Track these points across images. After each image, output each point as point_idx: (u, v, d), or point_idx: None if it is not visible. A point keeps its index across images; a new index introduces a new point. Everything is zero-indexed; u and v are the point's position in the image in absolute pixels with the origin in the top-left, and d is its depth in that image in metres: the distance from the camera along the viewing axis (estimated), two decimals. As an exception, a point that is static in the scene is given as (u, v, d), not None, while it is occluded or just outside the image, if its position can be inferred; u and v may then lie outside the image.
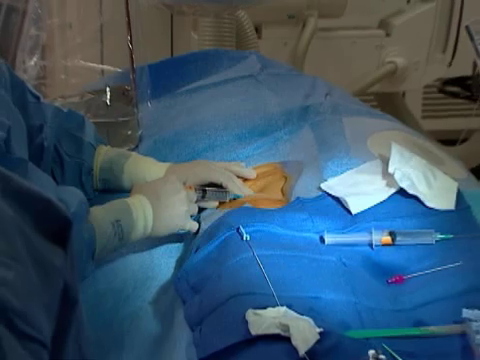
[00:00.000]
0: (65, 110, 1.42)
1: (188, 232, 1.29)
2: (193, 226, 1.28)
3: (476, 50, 2.21)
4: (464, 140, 2.63)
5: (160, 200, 1.24)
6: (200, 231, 1.28)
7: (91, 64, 1.67)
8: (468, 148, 2.65)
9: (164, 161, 1.42)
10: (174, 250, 1.28)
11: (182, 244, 1.29)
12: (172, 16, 2.29)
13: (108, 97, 1.65)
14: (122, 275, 1.24)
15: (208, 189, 1.34)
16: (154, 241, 1.28)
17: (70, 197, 1.09)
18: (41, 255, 0.63)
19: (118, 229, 1.18)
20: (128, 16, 1.60)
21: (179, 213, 1.26)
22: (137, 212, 1.21)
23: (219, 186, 1.36)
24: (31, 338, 0.60)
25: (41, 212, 0.64)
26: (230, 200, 1.35)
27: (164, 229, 1.25)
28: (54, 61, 1.63)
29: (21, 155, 1.10)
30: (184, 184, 1.31)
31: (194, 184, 1.33)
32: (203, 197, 1.33)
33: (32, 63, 1.50)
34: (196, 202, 1.31)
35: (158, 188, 1.27)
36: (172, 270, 1.23)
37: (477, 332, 1.02)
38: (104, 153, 1.39)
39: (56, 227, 0.65)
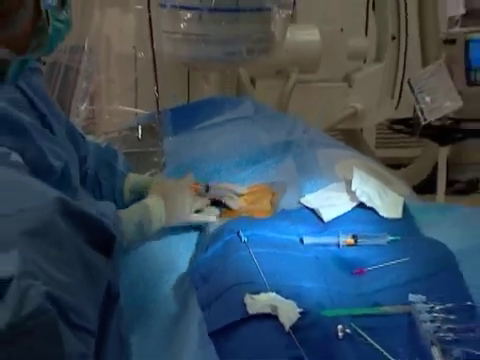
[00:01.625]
0: (103, 145, 1.41)
1: (199, 229, 1.28)
2: (196, 219, 1.28)
3: (415, 98, 2.22)
4: (407, 165, 2.64)
5: (169, 199, 1.25)
6: (208, 235, 1.27)
7: (127, 108, 1.68)
8: (410, 171, 2.65)
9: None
10: (189, 249, 1.27)
11: (195, 244, 1.28)
12: (189, 71, 2.30)
13: (139, 133, 1.64)
14: (151, 267, 1.23)
15: (211, 185, 1.33)
16: (173, 241, 1.27)
17: (107, 209, 1.10)
18: (89, 261, 0.62)
19: (140, 225, 1.19)
20: (155, 72, 1.60)
21: (183, 208, 1.27)
22: (154, 209, 1.22)
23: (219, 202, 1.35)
24: (81, 328, 0.59)
25: (92, 229, 0.64)
26: (225, 211, 1.33)
27: (173, 220, 1.26)
28: (100, 106, 1.63)
29: (75, 180, 1.10)
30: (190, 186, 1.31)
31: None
32: (206, 191, 1.32)
33: (83, 108, 1.51)
34: (200, 194, 1.31)
35: (169, 189, 1.28)
36: (187, 264, 1.22)
37: (419, 312, 1.02)
38: (133, 178, 1.39)
39: (103, 241, 0.65)
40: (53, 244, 0.59)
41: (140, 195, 1.35)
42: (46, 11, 0.96)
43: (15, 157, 0.89)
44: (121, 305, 0.67)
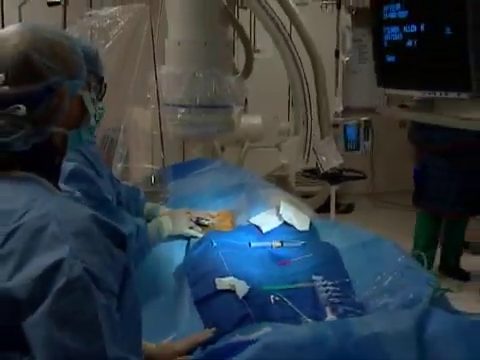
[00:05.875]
0: (130, 185, 1.41)
1: (188, 239, 1.27)
2: (190, 232, 1.28)
3: (317, 157, 2.30)
4: (312, 196, 2.68)
5: (175, 219, 1.27)
6: (194, 241, 1.26)
7: (147, 165, 1.68)
8: (314, 200, 2.68)
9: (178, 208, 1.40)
10: (182, 250, 1.25)
11: (185, 247, 1.26)
12: (183, 143, 2.30)
13: (153, 179, 1.63)
14: (161, 260, 1.21)
15: (199, 217, 1.33)
16: (174, 245, 1.25)
17: (141, 222, 1.15)
18: (112, 252, 0.63)
19: (158, 232, 1.21)
20: (162, 143, 1.61)
21: (182, 225, 1.27)
22: (164, 224, 1.24)
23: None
24: (106, 289, 0.59)
25: (113, 233, 0.64)
26: (206, 225, 1.33)
27: (176, 231, 1.26)
28: (131, 164, 1.63)
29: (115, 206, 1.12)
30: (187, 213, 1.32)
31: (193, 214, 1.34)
32: (197, 219, 1.32)
33: (119, 165, 1.51)
34: (192, 220, 1.31)
35: (175, 214, 1.30)
36: (182, 259, 1.20)
37: (319, 286, 1.03)
38: (149, 206, 1.38)
39: (121, 240, 0.65)
40: (90, 241, 0.61)
41: (153, 216, 1.35)
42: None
43: (78, 194, 0.91)
44: (134, 280, 0.66)
